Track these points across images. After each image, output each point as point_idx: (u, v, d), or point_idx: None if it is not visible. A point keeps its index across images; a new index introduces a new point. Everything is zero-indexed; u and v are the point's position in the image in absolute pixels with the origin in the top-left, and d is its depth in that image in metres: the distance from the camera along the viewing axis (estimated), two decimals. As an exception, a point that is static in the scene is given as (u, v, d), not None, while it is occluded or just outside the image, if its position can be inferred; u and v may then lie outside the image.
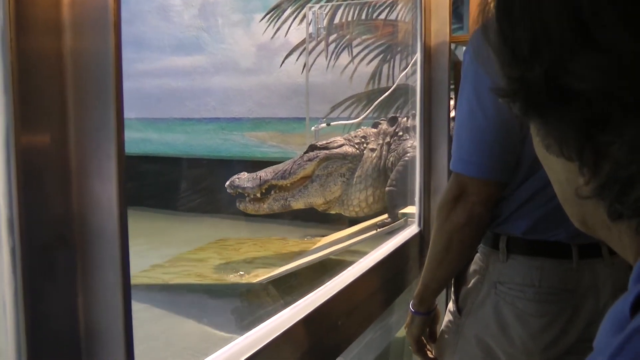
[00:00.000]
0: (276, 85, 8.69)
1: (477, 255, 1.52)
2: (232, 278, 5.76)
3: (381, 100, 6.66)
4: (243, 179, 5.80)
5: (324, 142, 5.89)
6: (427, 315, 1.62)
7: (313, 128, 7.10)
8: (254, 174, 5.82)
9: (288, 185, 5.76)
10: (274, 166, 5.89)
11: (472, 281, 1.51)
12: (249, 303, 5.45)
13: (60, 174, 0.80)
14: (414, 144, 5.65)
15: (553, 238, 1.40)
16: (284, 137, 8.81)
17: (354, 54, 8.14)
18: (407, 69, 4.57)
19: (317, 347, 1.70)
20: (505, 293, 1.44)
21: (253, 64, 8.98)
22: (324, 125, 7.10)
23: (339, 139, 5.91)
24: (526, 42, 0.50)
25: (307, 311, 1.66)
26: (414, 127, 5.86)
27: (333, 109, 8.08)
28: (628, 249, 0.55)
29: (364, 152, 5.83)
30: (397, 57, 7.59)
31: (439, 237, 1.48)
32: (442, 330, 1.62)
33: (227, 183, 5.81)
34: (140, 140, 9.99)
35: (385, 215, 5.69)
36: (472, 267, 1.52)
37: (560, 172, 0.57)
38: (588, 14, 0.46)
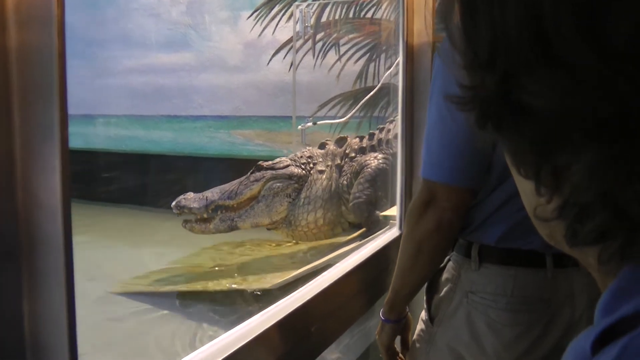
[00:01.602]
0: (263, 83, 8.64)
1: (450, 263, 1.49)
2: (240, 284, 5.65)
3: (366, 100, 6.65)
4: (189, 199, 5.86)
5: (270, 162, 5.96)
6: (398, 323, 1.60)
7: (299, 127, 7.07)
8: (200, 194, 5.89)
9: (234, 205, 5.83)
10: (221, 186, 5.98)
11: (444, 290, 1.48)
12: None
13: (5, 181, 0.77)
14: (372, 156, 5.75)
15: (527, 246, 1.37)
16: (271, 136, 8.78)
17: (341, 52, 8.11)
18: (391, 68, 4.54)
19: (291, 351, 1.68)
20: (477, 302, 1.42)
21: (240, 61, 8.93)
22: (310, 124, 7.07)
23: (285, 160, 5.99)
24: (486, 47, 0.46)
25: (280, 316, 1.63)
26: (371, 146, 5.93)
27: (320, 107, 8.05)
28: (595, 272, 0.51)
29: (311, 172, 5.89)
30: (383, 56, 7.57)
31: (408, 244, 1.45)
32: (414, 339, 1.60)
33: (173, 203, 5.89)
34: (127, 137, 9.93)
35: (363, 230, 5.65)
36: (445, 275, 1.49)
37: (527, 188, 0.53)
38: (549, 24, 0.42)
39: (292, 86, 7.68)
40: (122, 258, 6.72)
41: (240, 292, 5.38)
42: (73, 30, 10.12)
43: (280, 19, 8.51)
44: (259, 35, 8.66)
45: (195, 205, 5.82)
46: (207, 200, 5.84)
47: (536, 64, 0.43)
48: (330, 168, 5.93)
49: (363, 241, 4.40)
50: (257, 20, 8.71)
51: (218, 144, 9.18)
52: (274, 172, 5.88)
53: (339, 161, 5.96)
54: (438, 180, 1.37)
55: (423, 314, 1.57)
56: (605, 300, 0.45)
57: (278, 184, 5.84)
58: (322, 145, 6.12)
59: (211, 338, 1.46)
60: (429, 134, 1.40)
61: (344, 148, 6.00)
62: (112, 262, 6.59)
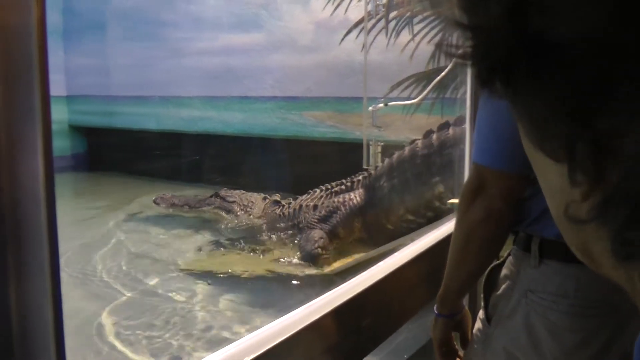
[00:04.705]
0: (335, 63, 8.50)
1: (509, 258, 1.36)
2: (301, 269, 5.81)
3: (438, 81, 6.46)
4: (164, 199, 7.86)
5: (229, 193, 7.53)
6: (451, 317, 1.50)
7: (370, 108, 6.94)
8: (171, 197, 7.86)
9: (189, 216, 7.59)
10: (188, 197, 7.90)
11: (503, 287, 1.35)
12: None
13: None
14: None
15: None
16: (342, 117, 8.65)
17: (415, 31, 7.89)
18: (463, 48, 4.38)
19: (337, 347, 1.59)
20: (536, 303, 1.27)
21: (311, 41, 8.80)
22: (381, 105, 6.93)
23: (237, 196, 7.44)
24: None
25: (327, 309, 1.56)
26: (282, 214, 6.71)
27: (392, 88, 7.87)
28: None
29: (239, 214, 7.27)
30: (456, 34, 7.31)
31: (457, 234, 1.35)
32: (472, 338, 1.48)
33: (154, 198, 7.97)
34: (199, 118, 10.04)
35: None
36: (504, 271, 1.36)
37: (552, 177, 0.38)
38: None
39: (364, 66, 7.53)
40: (190, 238, 6.88)
41: (297, 277, 5.47)
42: (145, 13, 10.28)
43: (353, -3, 8.35)
44: (331, 14, 8.52)
45: (163, 204, 7.77)
46: (172, 204, 7.74)
47: None
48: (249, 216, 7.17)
49: (425, 228, 4.30)
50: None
51: (289, 125, 9.14)
52: (222, 202, 7.41)
53: (261, 214, 7.11)
54: (486, 165, 1.26)
55: (481, 313, 1.45)
56: None
57: (220, 213, 7.35)
58: (265, 198, 7.34)
59: (263, 323, 1.43)
60: (479, 115, 1.27)
61: (274, 210, 7.04)
62: (182, 241, 6.77)
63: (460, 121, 5.57)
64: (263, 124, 9.39)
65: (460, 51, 0.35)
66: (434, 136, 5.77)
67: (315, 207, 6.51)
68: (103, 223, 7.50)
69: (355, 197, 6.26)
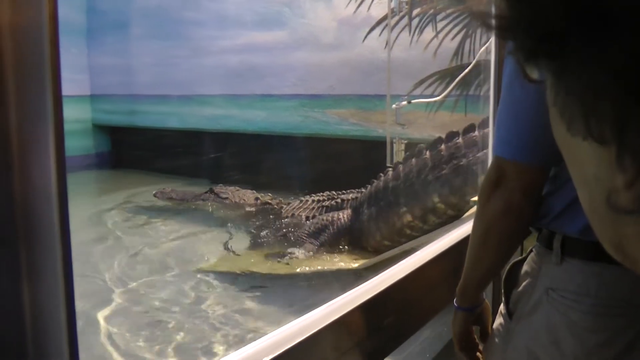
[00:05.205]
0: (358, 61, 8.45)
1: (532, 255, 1.34)
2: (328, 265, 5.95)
3: (461, 78, 6.41)
4: (164, 192, 8.46)
5: (223, 190, 8.05)
6: (470, 311, 1.47)
7: (394, 106, 6.92)
8: (171, 191, 8.47)
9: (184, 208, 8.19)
10: (186, 192, 8.50)
11: (524, 284, 1.32)
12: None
13: (2, 167, 0.69)
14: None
15: None
16: (366, 115, 8.61)
17: (438, 28, 7.83)
18: (487, 44, 4.33)
19: (358, 347, 1.58)
20: (557, 301, 1.24)
21: (334, 39, 8.76)
22: (404, 102, 6.90)
23: (230, 192, 8.00)
24: None
25: (348, 308, 1.55)
26: (302, 217, 6.83)
27: (416, 86, 7.83)
28: None
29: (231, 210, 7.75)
30: (479, 31, 7.25)
31: (477, 227, 1.33)
32: (492, 332, 1.46)
33: (155, 192, 8.57)
34: (222, 116, 10.08)
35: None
36: (525, 267, 1.34)
37: (587, 165, 0.35)
38: None
39: (387, 64, 7.49)
40: (216, 238, 6.93)
41: (323, 273, 5.57)
42: (167, 11, 10.33)
43: (376, -5, 8.31)
44: (354, 11, 8.49)
45: (161, 196, 8.38)
46: (171, 197, 8.35)
47: None
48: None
49: (449, 225, 4.29)
50: (352, -3, 8.54)
51: (312, 123, 9.12)
52: (216, 198, 7.97)
53: (253, 209, 7.65)
54: (505, 157, 1.22)
55: (502, 308, 1.43)
56: None
57: (214, 208, 7.88)
58: (257, 198, 7.83)
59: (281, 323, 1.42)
60: (500, 107, 1.25)
61: (265, 211, 7.48)
62: (210, 241, 6.82)
63: (448, 138, 5.67)
64: (286, 121, 9.38)
65: (501, 21, 0.31)
66: (413, 161, 5.90)
67: (307, 218, 6.83)
68: (109, 220, 7.78)
69: (343, 216, 6.50)
